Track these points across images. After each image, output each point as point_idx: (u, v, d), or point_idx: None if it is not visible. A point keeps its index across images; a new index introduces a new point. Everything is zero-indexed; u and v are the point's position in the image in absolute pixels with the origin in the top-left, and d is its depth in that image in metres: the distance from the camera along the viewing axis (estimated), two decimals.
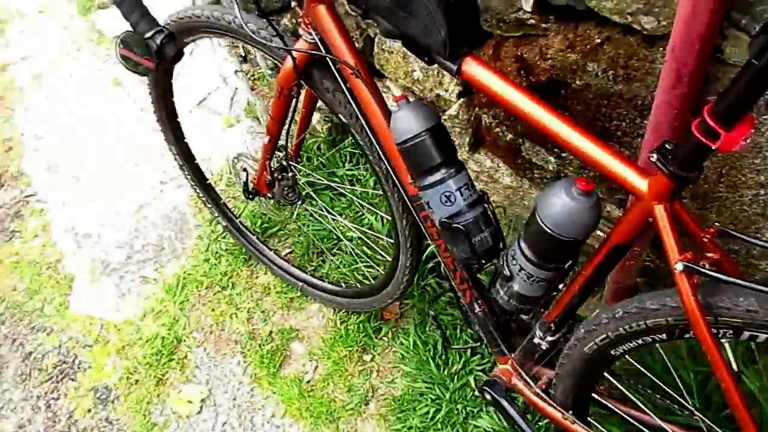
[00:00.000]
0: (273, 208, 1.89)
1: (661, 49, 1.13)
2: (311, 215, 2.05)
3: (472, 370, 1.67)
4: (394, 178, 1.27)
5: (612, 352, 1.04)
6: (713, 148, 0.74)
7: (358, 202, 2.03)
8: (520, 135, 1.56)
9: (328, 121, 2.19)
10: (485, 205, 1.15)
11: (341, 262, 1.99)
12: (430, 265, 1.86)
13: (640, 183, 0.85)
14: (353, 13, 1.10)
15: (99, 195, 2.49)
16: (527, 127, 1.48)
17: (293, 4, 1.21)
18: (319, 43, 1.20)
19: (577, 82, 1.30)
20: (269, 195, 1.64)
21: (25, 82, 3.12)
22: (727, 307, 0.83)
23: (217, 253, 2.16)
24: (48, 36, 3.31)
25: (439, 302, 1.81)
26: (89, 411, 1.93)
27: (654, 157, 0.81)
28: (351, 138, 2.13)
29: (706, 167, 1.19)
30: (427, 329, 1.80)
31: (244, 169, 1.64)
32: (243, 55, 2.54)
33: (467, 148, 1.74)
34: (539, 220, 0.98)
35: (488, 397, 1.30)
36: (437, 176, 1.12)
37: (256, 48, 1.35)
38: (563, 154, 1.48)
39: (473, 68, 0.98)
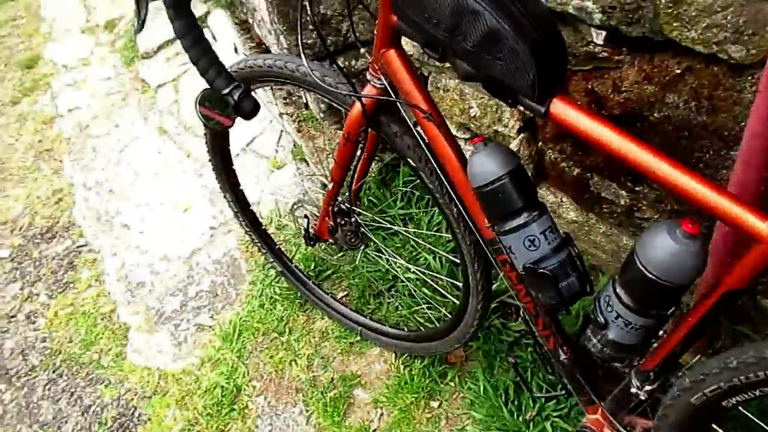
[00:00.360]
0: (333, 252, 1.85)
1: (749, 78, 1.08)
2: (365, 256, 2.01)
3: (549, 416, 1.59)
4: (468, 222, 1.23)
5: (724, 404, 0.97)
6: None
7: (413, 242, 1.99)
8: (589, 170, 1.51)
9: (378, 161, 2.17)
10: (570, 248, 1.10)
11: (400, 303, 1.94)
12: (494, 305, 1.80)
13: (759, 225, 0.79)
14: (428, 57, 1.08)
15: (150, 243, 2.50)
16: (608, 163, 1.43)
17: (362, 49, 1.19)
18: (389, 88, 1.18)
19: (655, 115, 1.25)
20: (331, 241, 1.61)
21: (73, 133, 3.19)
22: None
23: (271, 298, 2.13)
24: (93, 87, 3.38)
25: (504, 343, 1.75)
26: None
27: None
28: (403, 177, 2.11)
29: None
30: (495, 373, 1.73)
31: (305, 216, 1.62)
32: (285, 97, 2.55)
33: None
34: (640, 265, 0.93)
35: None
36: (520, 220, 1.07)
37: (323, 95, 1.33)
38: (636, 189, 1.43)
39: (561, 109, 0.94)
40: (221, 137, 1.71)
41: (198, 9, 3.16)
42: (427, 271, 1.87)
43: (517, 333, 1.76)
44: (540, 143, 1.59)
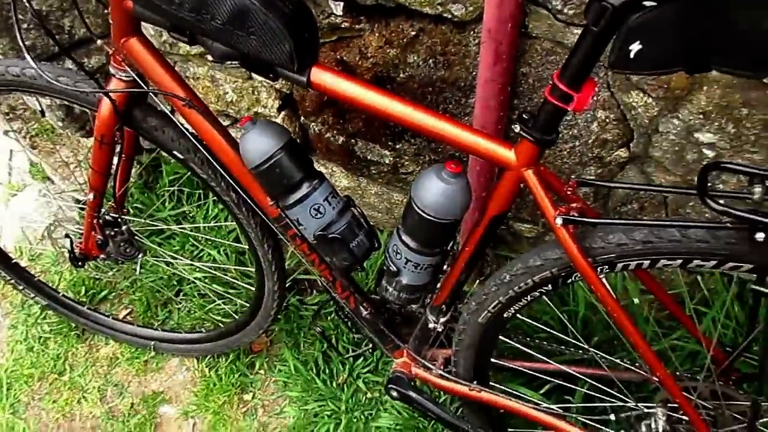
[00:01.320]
0: (106, 269, 1.69)
1: (472, 32, 1.23)
2: (144, 266, 1.87)
3: (359, 374, 1.67)
4: (251, 204, 1.22)
5: (505, 315, 1.11)
6: (569, 109, 0.82)
7: (193, 240, 1.91)
8: (352, 136, 1.58)
9: (137, 164, 2.01)
10: (353, 209, 1.16)
11: (191, 306, 1.86)
12: (288, 283, 1.82)
13: (508, 154, 0.91)
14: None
15: None
16: (368, 127, 1.51)
17: (99, 41, 1.09)
18: (137, 79, 1.10)
19: (401, 75, 1.35)
20: (103, 256, 1.46)
21: None
22: (601, 246, 0.93)
23: (40, 337, 1.88)
24: None
25: (305, 318, 1.79)
26: None
27: (518, 128, 0.88)
28: (167, 177, 1.99)
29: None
30: (302, 349, 1.76)
31: (66, 235, 1.44)
32: (7, 111, 2.23)
33: None
34: (418, 209, 1.01)
35: (395, 394, 1.31)
36: (302, 192, 1.10)
37: (61, 98, 1.19)
38: (397, 146, 1.54)
39: (321, 76, 0.97)
40: None
41: None
42: (214, 266, 1.81)
43: (315, 306, 1.80)
44: (302, 118, 1.62)
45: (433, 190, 1.00)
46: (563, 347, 1.28)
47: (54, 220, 1.51)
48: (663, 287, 1.16)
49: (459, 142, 0.93)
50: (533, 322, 1.31)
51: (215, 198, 1.64)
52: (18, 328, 1.91)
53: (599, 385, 1.19)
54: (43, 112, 1.56)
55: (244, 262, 1.80)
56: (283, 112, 1.65)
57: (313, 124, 1.61)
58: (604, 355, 1.16)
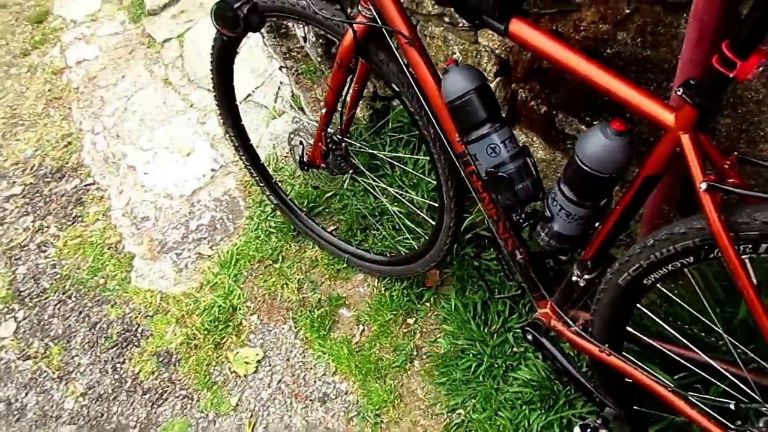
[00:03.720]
0: (325, 179, 2.03)
1: (684, 15, 1.26)
2: (354, 193, 2.20)
3: (511, 327, 1.79)
4: (443, 139, 1.41)
5: (645, 281, 1.16)
6: (731, 76, 0.86)
7: (399, 182, 2.17)
8: (554, 107, 1.69)
9: (369, 109, 2.34)
10: (526, 158, 1.29)
11: (385, 234, 2.13)
12: (468, 236, 1.99)
13: (668, 116, 0.98)
14: None
15: (154, 183, 2.68)
16: (570, 98, 1.61)
17: None
18: (377, 16, 1.36)
19: (608, 51, 1.43)
20: (323, 165, 1.80)
21: (81, 83, 3.34)
22: (746, 221, 0.95)
23: (266, 231, 2.32)
24: (101, 41, 3.54)
25: (476, 269, 1.94)
26: (152, 373, 2.09)
27: (680, 91, 0.94)
28: (392, 124, 2.28)
29: (727, 125, 1.31)
30: (467, 294, 1.92)
31: (300, 143, 1.80)
32: (285, 52, 2.72)
33: None
34: (578, 160, 1.11)
35: (530, 337, 1.42)
36: (483, 130, 1.26)
37: (318, 27, 1.50)
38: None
39: (519, 27, 1.12)
40: (227, 71, 1.88)
41: None
42: (410, 205, 2.06)
43: (487, 261, 1.95)
44: (513, 84, 1.77)
45: (594, 143, 1.09)
46: (697, 331, 1.27)
47: (295, 129, 1.86)
48: None
49: (624, 98, 1.01)
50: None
51: (418, 134, 1.86)
52: (253, 220, 2.37)
53: (730, 377, 1.17)
54: (305, 38, 1.91)
55: (434, 199, 2.01)
56: (498, 78, 1.81)
57: (521, 90, 1.74)
58: (743, 348, 1.14)
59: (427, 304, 1.99)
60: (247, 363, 2.00)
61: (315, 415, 1.86)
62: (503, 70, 1.81)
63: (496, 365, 1.75)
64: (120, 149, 2.88)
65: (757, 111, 1.27)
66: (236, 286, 2.20)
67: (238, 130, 2.08)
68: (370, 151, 2.06)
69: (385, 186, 2.10)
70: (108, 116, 3.07)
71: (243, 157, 2.16)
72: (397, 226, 2.09)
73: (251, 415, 1.90)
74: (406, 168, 2.14)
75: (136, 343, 2.18)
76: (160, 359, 2.11)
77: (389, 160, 2.18)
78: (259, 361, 2.01)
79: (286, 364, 1.98)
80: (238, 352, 2.04)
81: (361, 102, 2.34)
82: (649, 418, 1.45)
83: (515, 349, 1.77)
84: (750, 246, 0.97)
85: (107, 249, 2.50)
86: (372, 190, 2.10)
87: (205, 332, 2.11)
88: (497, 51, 1.75)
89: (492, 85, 1.82)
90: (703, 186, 0.95)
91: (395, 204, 2.08)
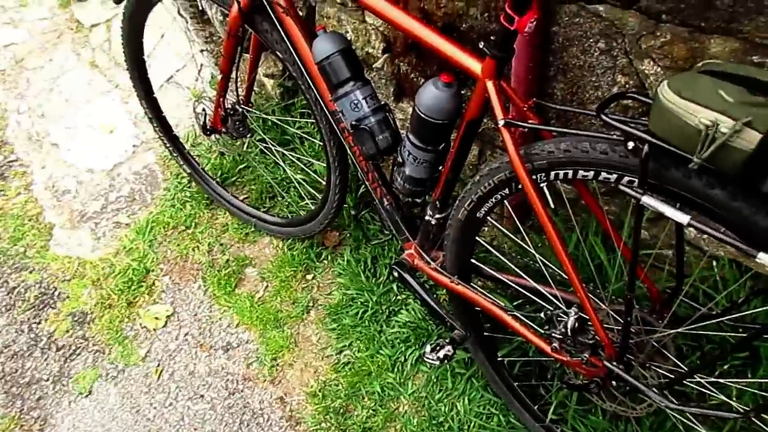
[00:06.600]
0: (227, 144, 2.19)
1: None
2: (266, 165, 2.36)
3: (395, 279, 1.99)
4: (320, 101, 1.60)
5: (477, 215, 1.36)
6: (512, 29, 1.07)
7: (306, 154, 2.35)
8: (429, 78, 1.89)
9: (281, 87, 2.51)
10: (386, 113, 1.49)
11: (290, 201, 2.30)
12: (367, 201, 2.18)
13: (476, 66, 1.18)
14: None
15: (77, 158, 2.78)
16: (438, 68, 1.82)
17: None
18: None
19: (463, 26, 1.64)
20: (223, 130, 1.96)
21: (8, 66, 3.40)
22: (537, 152, 1.16)
23: (182, 200, 2.46)
24: (30, 26, 3.60)
25: (371, 230, 2.14)
26: (67, 331, 2.20)
27: (482, 44, 1.15)
28: (303, 100, 2.46)
29: (562, 90, 1.53)
30: (360, 251, 2.11)
31: (204, 110, 1.96)
32: (207, 37, 2.87)
33: (392, 98, 2.07)
34: (417, 109, 1.31)
35: (396, 274, 1.61)
36: (347, 88, 1.45)
37: (212, 0, 1.67)
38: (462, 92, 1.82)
39: None
40: (136, 36, 2.01)
41: None
42: (313, 174, 2.23)
43: (380, 223, 2.15)
44: (395, 59, 1.97)
45: (428, 94, 1.29)
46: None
47: (199, 95, 2.02)
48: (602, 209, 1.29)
49: (443, 52, 1.22)
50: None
51: (303, 99, 2.02)
52: (170, 191, 2.51)
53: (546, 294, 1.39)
54: (203, 12, 2.08)
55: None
56: (386, 55, 2.01)
57: (402, 64, 1.95)
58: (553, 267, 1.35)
59: (325, 261, 2.17)
60: (157, 318, 2.14)
61: (218, 362, 2.01)
62: (389, 48, 2.01)
63: (380, 311, 1.95)
64: (44, 127, 2.97)
65: (580, 75, 1.50)
66: (150, 251, 2.34)
67: (150, 102, 2.22)
68: (281, 123, 2.24)
69: (292, 159, 2.27)
70: (33, 96, 3.15)
71: (157, 128, 2.30)
72: (302, 195, 2.27)
73: (158, 364, 2.04)
74: (313, 139, 2.32)
75: (52, 305, 2.29)
76: (75, 318, 2.23)
77: (298, 133, 2.36)
78: (168, 317, 2.15)
79: (194, 318, 2.13)
80: (149, 309, 2.18)
81: (272, 81, 2.52)
82: (500, 342, 1.66)
83: (398, 297, 1.96)
84: (543, 174, 1.18)
85: (28, 220, 2.59)
86: (281, 163, 2.27)
87: (119, 293, 2.24)
88: (381, 29, 1.95)
89: (380, 61, 2.03)
90: (501, 122, 1.15)
91: (299, 173, 2.25)
